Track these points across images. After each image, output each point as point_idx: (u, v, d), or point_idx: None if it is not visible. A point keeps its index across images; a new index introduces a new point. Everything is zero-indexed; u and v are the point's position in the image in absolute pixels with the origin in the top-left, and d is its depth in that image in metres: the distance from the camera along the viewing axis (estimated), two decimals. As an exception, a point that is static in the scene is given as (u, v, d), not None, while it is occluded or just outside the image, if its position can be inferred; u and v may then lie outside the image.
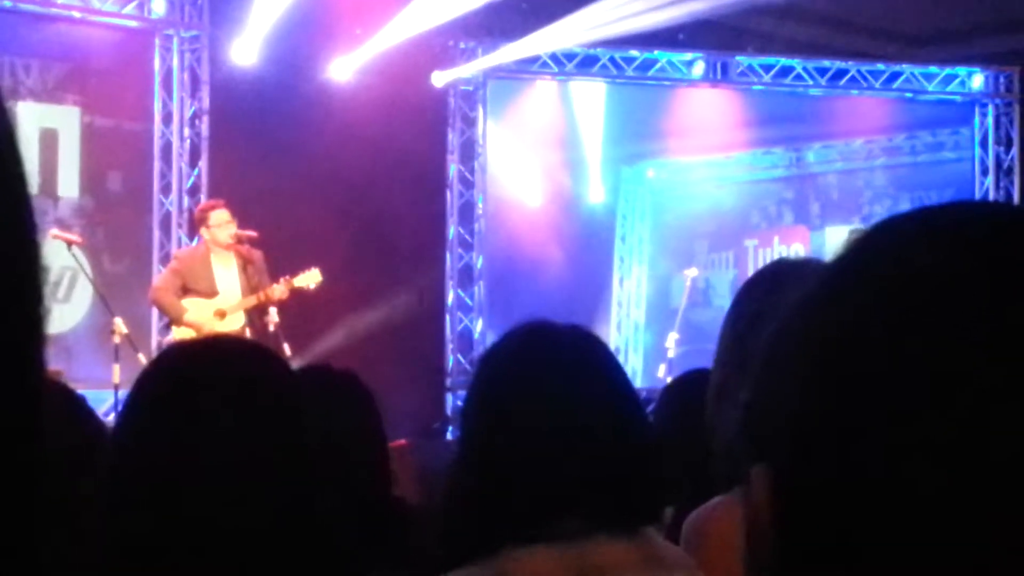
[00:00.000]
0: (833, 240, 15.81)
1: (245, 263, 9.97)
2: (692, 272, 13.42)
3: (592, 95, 15.36)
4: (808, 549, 0.84)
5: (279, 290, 9.93)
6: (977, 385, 0.79)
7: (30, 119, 12.03)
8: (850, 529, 0.82)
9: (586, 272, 15.42)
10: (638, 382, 15.13)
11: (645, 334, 15.86)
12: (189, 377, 2.07)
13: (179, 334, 9.78)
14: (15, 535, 0.76)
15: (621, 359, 14.67)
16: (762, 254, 15.91)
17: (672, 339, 12.90)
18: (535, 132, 15.18)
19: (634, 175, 16.11)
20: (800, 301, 0.90)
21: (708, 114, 15.66)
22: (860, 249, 0.89)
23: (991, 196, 15.16)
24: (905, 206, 12.89)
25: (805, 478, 0.84)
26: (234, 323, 9.86)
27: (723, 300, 15.71)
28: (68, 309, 12.09)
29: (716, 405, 2.56)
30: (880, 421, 0.81)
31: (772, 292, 2.52)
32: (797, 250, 15.81)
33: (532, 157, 15.11)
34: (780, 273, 2.66)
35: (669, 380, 11.90)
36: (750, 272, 14.75)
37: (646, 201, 16.21)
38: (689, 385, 3.80)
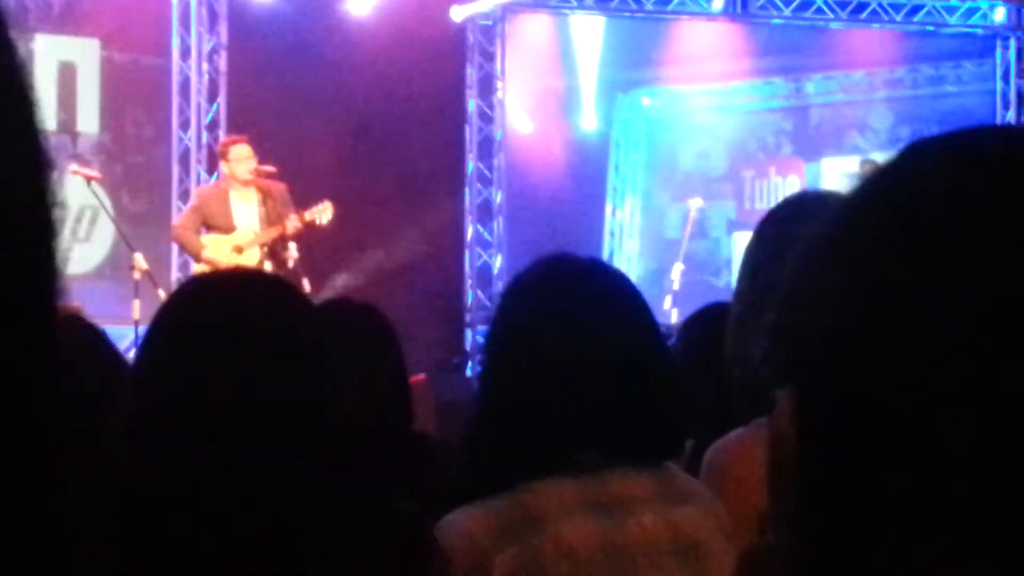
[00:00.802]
0: (830, 171, 15.63)
1: (264, 196, 9.98)
2: (696, 202, 13.32)
3: (589, 21, 15.18)
4: (831, 473, 0.85)
5: (291, 224, 9.94)
6: (1010, 314, 0.79)
7: (48, 51, 12.01)
8: (874, 455, 0.82)
9: (578, 200, 15.18)
10: None
11: (638, 265, 15.68)
12: (207, 309, 2.07)
13: (199, 270, 9.81)
14: (32, 473, 0.76)
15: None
16: (758, 185, 15.74)
17: (677, 270, 12.86)
18: (529, 57, 14.94)
19: (629, 103, 15.84)
20: (829, 224, 0.89)
21: (706, 43, 15.38)
22: (890, 172, 0.88)
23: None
24: (904, 139, 12.80)
25: (831, 401, 0.84)
26: (251, 258, 9.88)
27: (719, 231, 15.62)
28: (89, 248, 12.13)
29: (736, 337, 2.55)
30: (909, 346, 0.80)
31: (793, 224, 2.51)
32: (793, 182, 15.63)
33: (525, 82, 14.93)
34: (802, 205, 2.65)
35: (674, 312, 11.98)
36: (746, 204, 14.71)
37: (640, 130, 15.98)
38: (709, 318, 3.80)
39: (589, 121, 15.37)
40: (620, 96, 15.71)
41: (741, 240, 15.41)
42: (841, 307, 0.84)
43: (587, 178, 15.41)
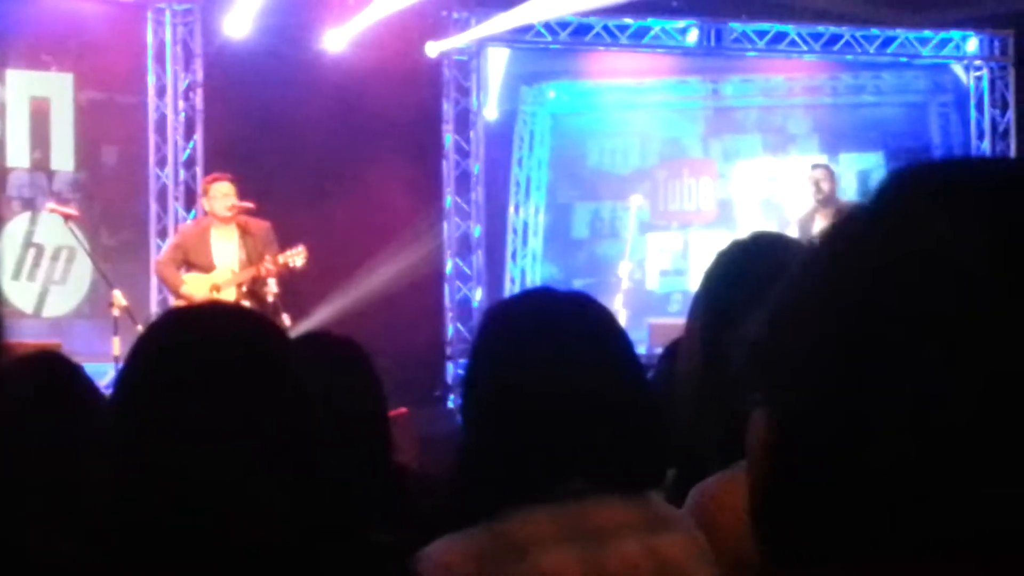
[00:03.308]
0: (743, 175, 15.44)
1: (244, 234, 10.01)
2: (637, 200, 13.16)
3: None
4: (804, 484, 0.85)
5: (267, 267, 9.98)
6: (994, 360, 0.80)
7: (20, 87, 11.98)
8: (846, 467, 0.82)
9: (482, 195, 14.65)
10: None
11: (543, 265, 15.28)
12: (183, 343, 2.06)
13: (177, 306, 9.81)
14: None
15: (516, 290, 14.13)
16: (672, 186, 15.40)
17: (625, 269, 12.68)
18: None
19: (533, 95, 15.39)
20: (814, 254, 0.90)
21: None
22: (879, 206, 0.89)
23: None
24: (821, 147, 12.71)
25: (808, 418, 0.85)
26: (228, 296, 9.88)
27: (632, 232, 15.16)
28: (67, 290, 12.09)
29: (697, 389, 2.57)
30: (893, 382, 0.81)
31: (734, 274, 2.55)
32: (706, 184, 15.38)
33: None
34: (740, 254, 2.68)
35: (625, 313, 11.84)
36: (659, 204, 14.32)
37: (546, 124, 15.51)
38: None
39: (491, 112, 14.91)
40: (524, 88, 15.26)
41: (654, 241, 15.04)
42: (827, 335, 0.85)
43: (489, 172, 14.77)
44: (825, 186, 11.88)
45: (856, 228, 0.89)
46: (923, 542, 0.80)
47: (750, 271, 2.49)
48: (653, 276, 15.12)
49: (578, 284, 14.51)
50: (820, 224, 11.52)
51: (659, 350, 12.40)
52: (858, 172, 15.30)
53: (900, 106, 16.05)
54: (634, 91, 15.57)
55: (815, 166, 12.50)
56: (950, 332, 0.80)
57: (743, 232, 14.54)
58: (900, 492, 0.81)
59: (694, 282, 15.70)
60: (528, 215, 15.38)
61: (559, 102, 15.61)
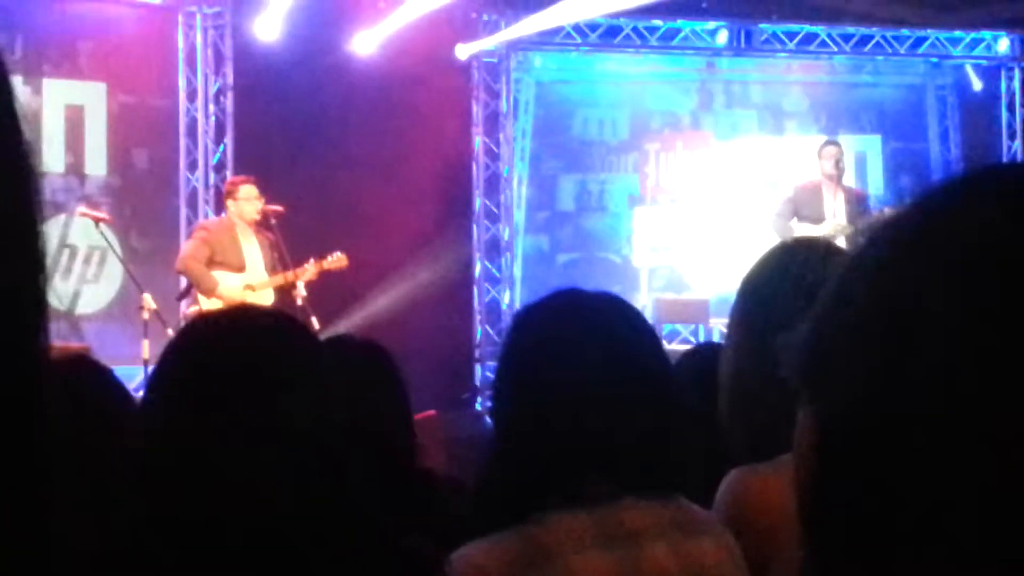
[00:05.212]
0: (740, 152, 15.13)
1: (271, 244, 10.07)
2: (650, 170, 13.08)
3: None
4: (851, 484, 0.86)
5: (309, 271, 10.09)
6: None
7: (56, 96, 12.09)
8: (895, 467, 0.83)
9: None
10: (518, 293, 14.31)
11: (525, 238, 14.92)
12: (216, 348, 2.07)
13: (205, 305, 9.82)
14: (21, 505, 0.76)
15: (502, 264, 13.54)
16: (664, 159, 15.01)
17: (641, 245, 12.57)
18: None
19: (519, 61, 14.93)
20: (861, 255, 0.91)
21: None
22: (936, 210, 0.90)
23: (1019, 160, 15.03)
24: (818, 125, 12.41)
25: (856, 417, 0.86)
26: (264, 299, 9.88)
27: (620, 206, 14.82)
28: (98, 289, 12.16)
29: (732, 391, 2.56)
30: (936, 367, 0.81)
31: (783, 278, 2.53)
32: (703, 156, 15.05)
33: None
34: (790, 258, 2.66)
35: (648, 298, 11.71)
36: (651, 178, 13.88)
37: (530, 92, 15.16)
38: (703, 357, 3.79)
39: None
40: (511, 54, 14.80)
41: (642, 215, 14.56)
42: (882, 337, 0.86)
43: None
44: (842, 164, 11.79)
45: (905, 231, 0.89)
46: (968, 546, 0.80)
47: (792, 276, 2.48)
48: (642, 252, 14.74)
49: (563, 259, 14.39)
50: (828, 200, 11.44)
51: (665, 327, 12.37)
52: (856, 153, 15.12)
53: (898, 87, 15.97)
54: (625, 61, 15.28)
55: (830, 142, 12.30)
56: (1000, 337, 0.80)
57: (737, 209, 14.13)
58: (947, 496, 0.81)
59: (680, 259, 15.26)
60: (511, 187, 14.95)
61: (545, 69, 15.30)
